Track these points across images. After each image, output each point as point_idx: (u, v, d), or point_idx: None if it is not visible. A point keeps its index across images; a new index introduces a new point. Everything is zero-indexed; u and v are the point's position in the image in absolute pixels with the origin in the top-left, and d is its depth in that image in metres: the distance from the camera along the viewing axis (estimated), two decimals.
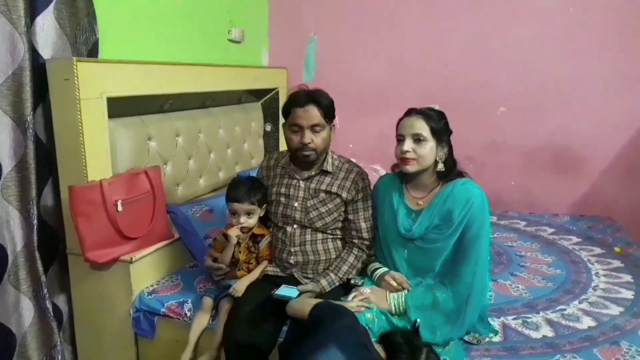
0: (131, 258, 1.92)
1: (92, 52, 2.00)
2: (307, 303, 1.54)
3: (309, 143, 1.77)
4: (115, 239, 1.90)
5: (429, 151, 1.72)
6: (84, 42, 1.96)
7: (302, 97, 1.79)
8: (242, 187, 1.87)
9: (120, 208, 1.89)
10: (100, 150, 1.91)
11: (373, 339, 1.44)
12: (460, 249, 1.69)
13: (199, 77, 2.53)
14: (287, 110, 1.82)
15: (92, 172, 1.86)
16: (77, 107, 1.79)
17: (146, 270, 2.02)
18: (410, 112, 1.77)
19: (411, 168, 1.73)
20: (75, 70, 1.76)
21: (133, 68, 2.07)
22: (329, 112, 1.82)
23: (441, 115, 1.77)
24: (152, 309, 1.93)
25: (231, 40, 3.11)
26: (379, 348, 1.38)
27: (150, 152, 2.23)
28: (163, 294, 1.97)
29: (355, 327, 1.38)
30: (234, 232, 1.83)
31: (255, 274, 1.87)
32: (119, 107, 2.02)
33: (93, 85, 1.84)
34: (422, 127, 1.71)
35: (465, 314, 1.63)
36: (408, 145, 1.71)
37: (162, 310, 1.91)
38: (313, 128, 1.78)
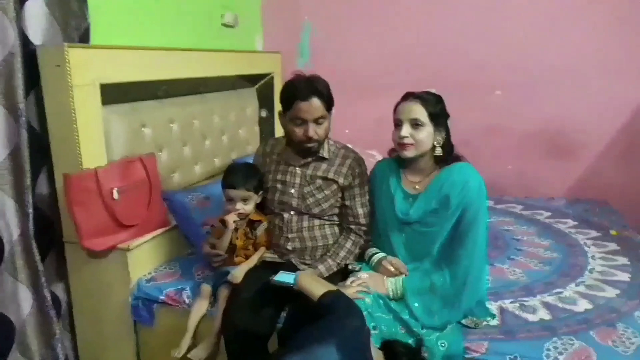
0: (128, 246, 1.92)
1: (84, 38, 1.96)
2: (319, 283, 1.53)
3: (314, 136, 1.76)
4: (112, 227, 1.90)
5: (426, 136, 1.71)
6: (75, 27, 1.92)
7: (304, 88, 1.74)
8: (238, 173, 1.86)
9: (116, 196, 1.88)
10: (94, 138, 1.89)
11: (376, 345, 1.43)
12: (457, 232, 1.70)
13: (192, 62, 2.49)
14: (289, 102, 1.77)
15: (86, 160, 1.84)
16: (70, 94, 1.76)
17: (144, 258, 2.02)
18: (408, 96, 1.76)
19: (409, 153, 1.73)
20: (66, 57, 1.72)
21: (125, 54, 2.03)
22: (330, 102, 1.79)
23: (438, 99, 1.76)
24: (150, 296, 1.93)
25: (225, 25, 3.07)
26: (379, 354, 1.38)
27: (145, 139, 2.21)
28: (161, 282, 1.97)
29: (362, 330, 1.37)
30: (231, 218, 1.83)
31: (253, 261, 1.88)
32: (112, 94, 1.99)
33: (85, 71, 1.81)
34: (419, 111, 1.70)
35: (462, 297, 1.64)
36: (406, 130, 1.71)
37: (160, 297, 1.91)
38: (317, 120, 1.76)
